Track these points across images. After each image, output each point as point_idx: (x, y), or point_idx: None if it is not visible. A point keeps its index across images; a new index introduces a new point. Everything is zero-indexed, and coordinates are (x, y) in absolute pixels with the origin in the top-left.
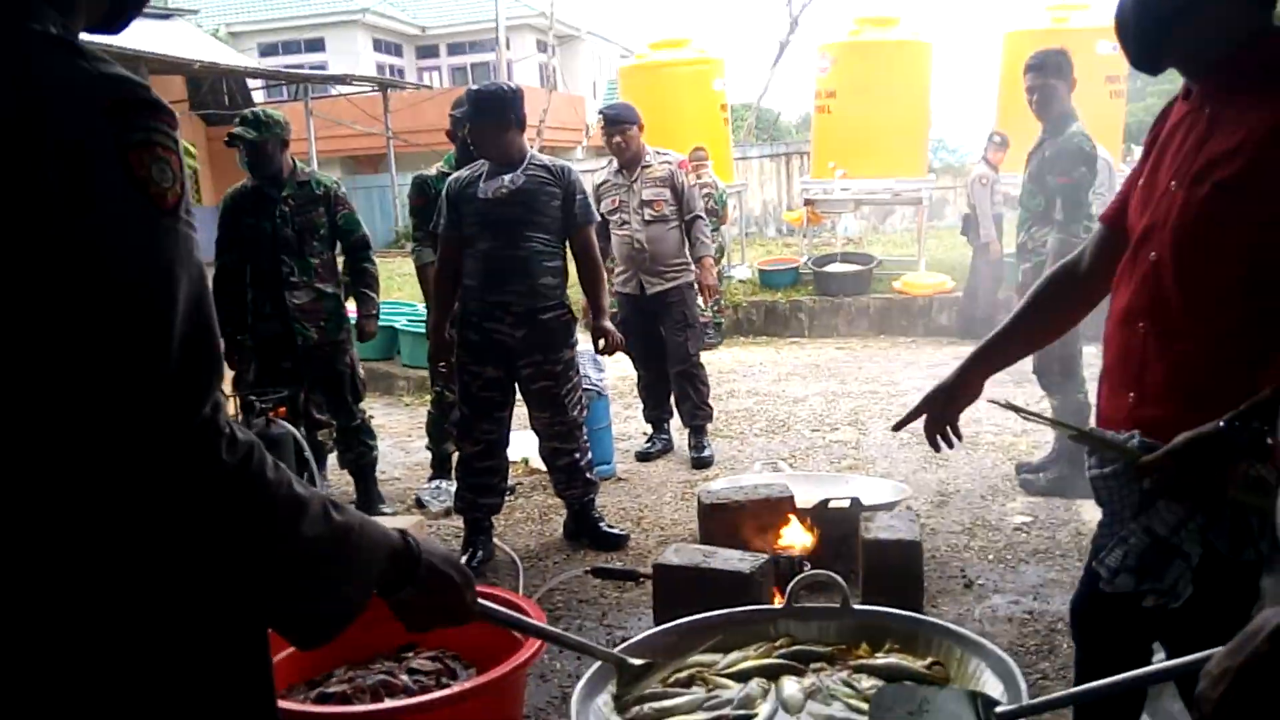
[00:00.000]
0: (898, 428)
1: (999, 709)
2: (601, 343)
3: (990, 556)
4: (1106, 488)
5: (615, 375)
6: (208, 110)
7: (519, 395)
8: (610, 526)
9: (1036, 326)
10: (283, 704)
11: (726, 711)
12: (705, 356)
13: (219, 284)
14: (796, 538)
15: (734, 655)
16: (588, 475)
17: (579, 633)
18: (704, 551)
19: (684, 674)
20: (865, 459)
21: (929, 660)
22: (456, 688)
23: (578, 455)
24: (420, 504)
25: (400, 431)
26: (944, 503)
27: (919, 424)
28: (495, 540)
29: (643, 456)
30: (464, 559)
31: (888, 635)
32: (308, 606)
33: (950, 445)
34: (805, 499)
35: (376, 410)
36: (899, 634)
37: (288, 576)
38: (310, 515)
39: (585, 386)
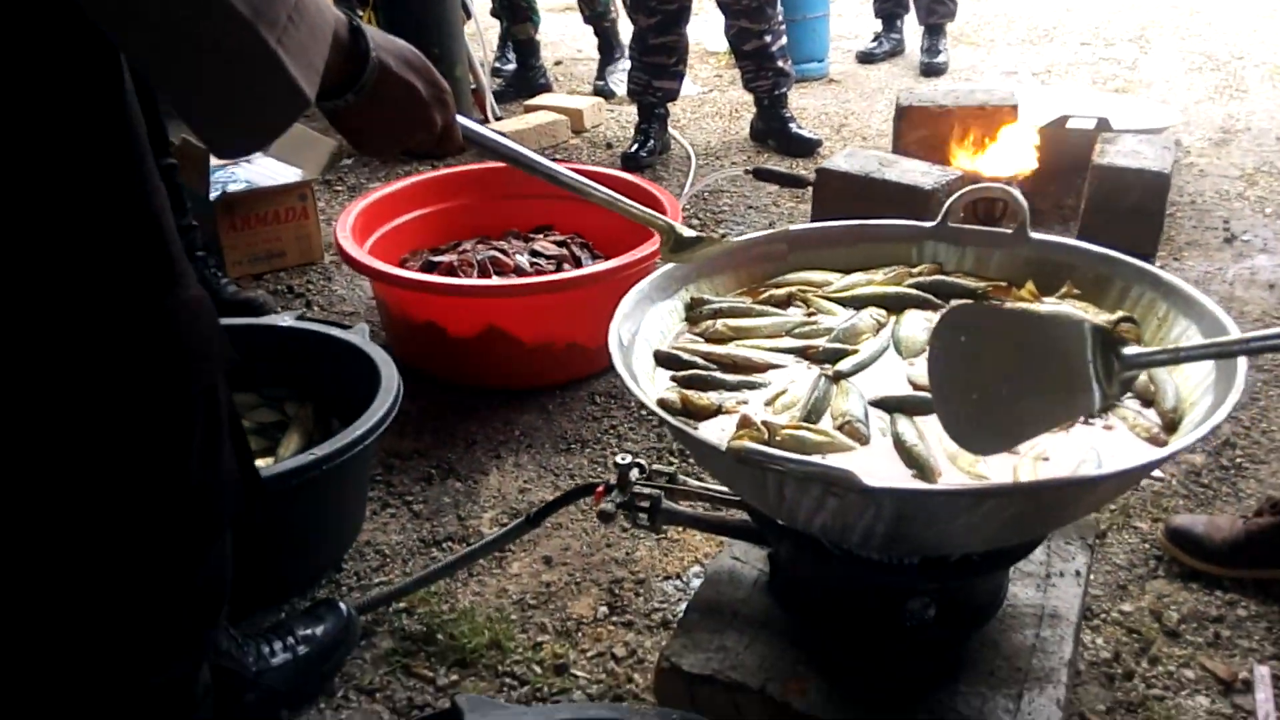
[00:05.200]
0: None
1: (1129, 351)
2: None
3: (1268, 210)
4: None
5: None
6: None
7: None
8: (801, 128)
9: None
10: (382, 265)
11: (818, 342)
12: None
13: None
14: (1009, 157)
15: (855, 277)
16: (780, 64)
17: None
18: (883, 159)
19: (782, 291)
20: (1139, 81)
21: (1117, 315)
22: (543, 278)
23: (769, 38)
24: (602, 93)
25: None
26: (1225, 141)
27: (1214, 48)
28: (672, 131)
29: (865, 58)
30: (634, 147)
31: (1068, 275)
32: (242, 84)
33: None
34: (1040, 115)
35: None
36: (1083, 274)
37: (213, 33)
38: None
39: None
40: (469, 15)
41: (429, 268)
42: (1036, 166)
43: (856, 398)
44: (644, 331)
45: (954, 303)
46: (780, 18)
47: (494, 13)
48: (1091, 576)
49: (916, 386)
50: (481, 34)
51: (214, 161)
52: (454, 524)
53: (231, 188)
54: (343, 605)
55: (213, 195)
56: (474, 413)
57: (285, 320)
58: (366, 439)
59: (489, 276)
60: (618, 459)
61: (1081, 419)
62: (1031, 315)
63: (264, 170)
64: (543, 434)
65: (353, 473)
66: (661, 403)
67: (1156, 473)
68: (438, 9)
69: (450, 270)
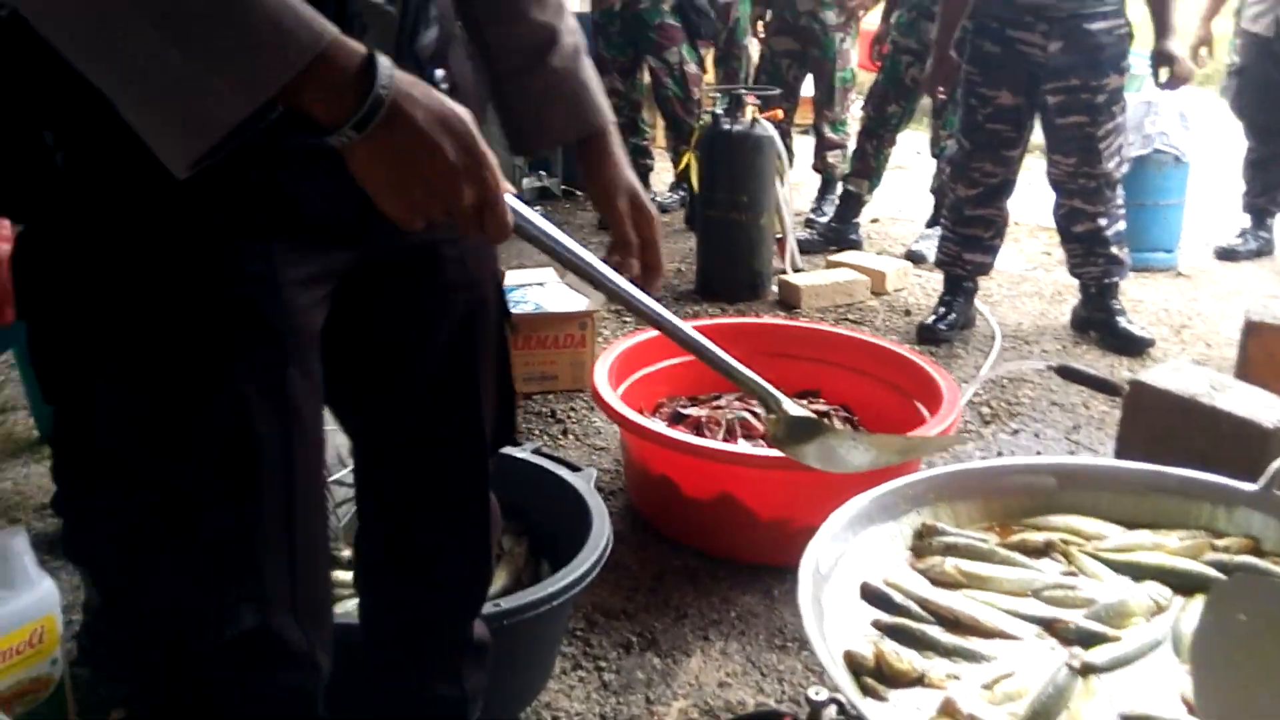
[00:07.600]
0: None
1: None
2: (1163, 73)
3: None
4: None
5: (1209, 143)
6: None
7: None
8: (1131, 323)
9: None
10: (623, 408)
11: (1072, 615)
12: None
13: None
14: None
15: (1140, 536)
16: (1114, 250)
17: (1036, 440)
18: (1215, 381)
19: (1040, 537)
20: None
21: None
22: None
23: (1103, 221)
24: (914, 258)
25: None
26: None
27: None
28: (980, 306)
29: (1225, 254)
30: (933, 319)
31: None
32: (161, 87)
33: None
34: None
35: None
36: None
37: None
38: None
39: (1161, 147)
40: (788, 165)
41: (677, 418)
42: None
43: (1105, 704)
44: (854, 556)
45: (1238, 575)
46: (1121, 201)
47: (815, 168)
48: None
49: (1193, 710)
50: (790, 185)
51: (507, 281)
52: (640, 706)
53: (520, 308)
54: None
55: None
56: (694, 580)
57: (521, 452)
58: (552, 600)
59: (735, 438)
60: (811, 692)
61: None
62: None
63: (554, 296)
64: (760, 622)
65: (537, 631)
66: (849, 656)
67: None
68: (752, 157)
69: (696, 425)
